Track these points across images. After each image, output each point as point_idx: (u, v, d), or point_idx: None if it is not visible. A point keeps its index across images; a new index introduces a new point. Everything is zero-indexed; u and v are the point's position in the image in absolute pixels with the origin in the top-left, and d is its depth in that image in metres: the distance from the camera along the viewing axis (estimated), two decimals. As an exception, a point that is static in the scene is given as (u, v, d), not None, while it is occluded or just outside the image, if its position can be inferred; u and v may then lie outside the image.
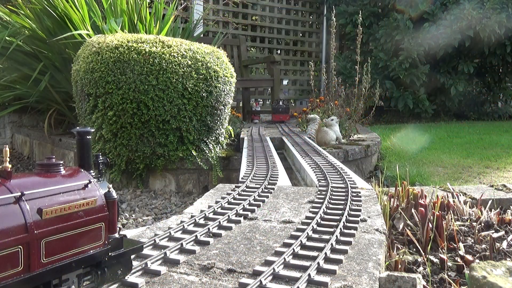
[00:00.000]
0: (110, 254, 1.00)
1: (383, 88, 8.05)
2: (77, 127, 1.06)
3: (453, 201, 2.25)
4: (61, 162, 0.97)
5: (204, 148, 3.42)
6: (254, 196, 1.98)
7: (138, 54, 3.14)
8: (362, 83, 4.98)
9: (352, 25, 8.45)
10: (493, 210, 2.21)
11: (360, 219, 1.66)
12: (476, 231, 1.92)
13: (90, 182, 0.98)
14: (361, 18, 5.11)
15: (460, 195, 2.43)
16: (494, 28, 7.43)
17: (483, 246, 1.82)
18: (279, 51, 9.56)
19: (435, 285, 1.53)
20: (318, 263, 1.21)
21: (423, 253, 1.72)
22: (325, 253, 1.28)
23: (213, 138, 3.55)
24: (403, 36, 7.81)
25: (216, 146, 3.54)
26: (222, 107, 3.55)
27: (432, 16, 7.94)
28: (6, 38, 4.12)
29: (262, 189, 2.11)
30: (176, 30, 5.08)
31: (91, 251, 0.94)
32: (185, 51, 3.32)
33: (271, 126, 5.50)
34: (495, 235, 1.86)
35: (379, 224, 1.64)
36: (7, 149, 0.89)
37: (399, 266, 1.57)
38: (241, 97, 7.19)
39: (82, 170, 1.02)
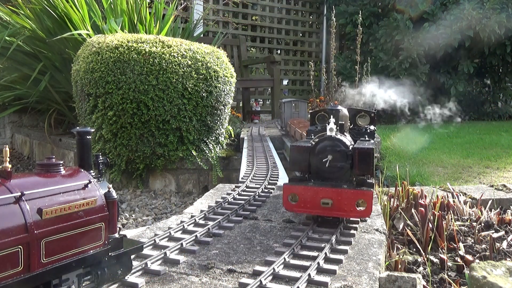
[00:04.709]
0: (110, 254, 1.00)
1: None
2: (77, 127, 1.07)
3: (453, 201, 2.25)
4: (61, 162, 0.97)
5: (204, 148, 3.42)
6: (254, 196, 1.98)
7: (138, 54, 3.13)
8: (362, 83, 4.98)
9: (352, 25, 8.44)
10: (493, 210, 2.21)
11: (360, 219, 1.66)
12: (476, 231, 1.92)
13: (90, 182, 0.98)
14: (361, 18, 5.10)
15: (460, 195, 2.43)
16: (494, 28, 7.43)
17: (483, 246, 1.82)
18: (279, 51, 9.55)
19: (435, 285, 1.53)
20: (318, 263, 1.21)
21: (423, 253, 1.72)
22: (325, 253, 1.28)
23: (213, 138, 3.55)
24: (403, 36, 7.81)
25: (216, 146, 3.54)
26: (222, 107, 3.55)
27: (432, 16, 7.94)
28: (6, 38, 4.12)
29: (262, 189, 2.11)
30: (176, 30, 5.08)
31: (91, 251, 0.95)
32: (185, 51, 3.32)
33: (271, 126, 5.50)
34: (495, 235, 1.86)
35: (379, 224, 1.64)
36: (7, 149, 0.89)
37: (399, 266, 1.57)
38: (241, 97, 7.19)
39: (82, 170, 1.02)
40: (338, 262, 1.26)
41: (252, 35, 8.83)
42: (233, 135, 4.06)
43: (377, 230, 1.57)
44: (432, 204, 2.04)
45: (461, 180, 3.35)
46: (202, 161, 3.35)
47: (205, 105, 3.36)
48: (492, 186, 2.74)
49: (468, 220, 2.09)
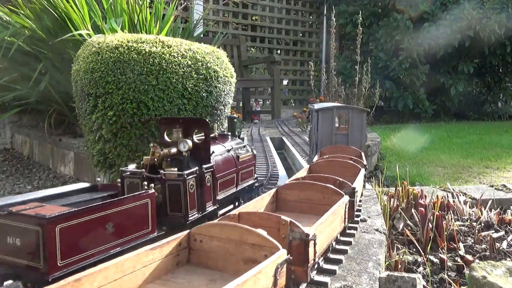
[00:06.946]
0: (255, 184, 1.91)
1: (383, 88, 8.05)
2: (228, 113, 1.59)
3: (453, 201, 2.25)
4: (229, 133, 1.87)
5: (204, 148, 3.42)
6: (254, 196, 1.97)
7: (138, 54, 3.13)
8: (362, 83, 4.99)
9: (352, 25, 8.44)
10: (493, 210, 2.21)
11: (360, 219, 1.66)
12: (476, 231, 1.92)
13: (245, 146, 1.85)
14: (361, 18, 5.10)
15: (460, 195, 2.43)
16: (494, 28, 7.43)
17: (483, 246, 1.82)
18: (279, 51, 9.55)
19: (435, 285, 1.53)
20: (318, 263, 1.20)
21: (423, 253, 1.72)
22: (325, 253, 1.28)
23: (213, 138, 3.55)
24: (403, 36, 7.81)
25: (216, 146, 3.54)
26: (222, 107, 3.55)
27: (432, 16, 7.94)
28: (7, 38, 4.12)
29: (261, 189, 2.11)
30: (176, 30, 5.08)
31: (250, 181, 1.86)
32: (185, 51, 3.32)
33: (271, 126, 5.50)
34: (495, 235, 1.86)
35: (379, 224, 1.64)
36: None
37: (399, 266, 1.57)
38: (241, 97, 7.19)
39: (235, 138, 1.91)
40: (338, 262, 1.26)
41: (252, 35, 8.83)
42: (233, 135, 4.06)
43: (377, 230, 1.57)
44: (432, 204, 2.04)
45: (461, 180, 3.35)
46: (202, 161, 3.35)
47: (205, 105, 3.36)
48: (492, 186, 2.75)
49: (468, 220, 2.09)
